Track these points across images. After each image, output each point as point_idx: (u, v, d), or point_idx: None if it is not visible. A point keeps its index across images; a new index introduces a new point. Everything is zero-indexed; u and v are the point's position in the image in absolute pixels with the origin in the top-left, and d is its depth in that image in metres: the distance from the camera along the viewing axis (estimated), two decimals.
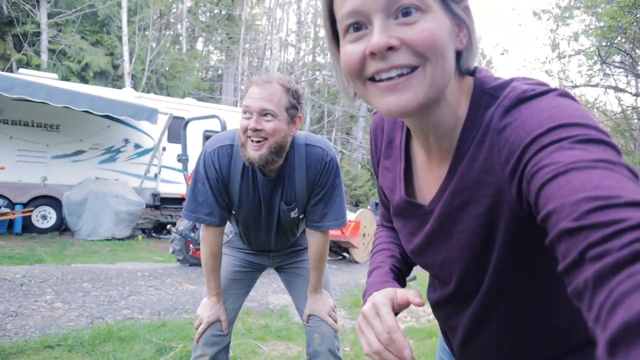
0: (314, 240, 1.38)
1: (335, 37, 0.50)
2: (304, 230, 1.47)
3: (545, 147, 0.38)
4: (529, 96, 0.44)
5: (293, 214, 1.34)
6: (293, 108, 1.20)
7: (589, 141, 0.37)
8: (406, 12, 0.43)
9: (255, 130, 1.15)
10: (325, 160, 1.29)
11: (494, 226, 0.48)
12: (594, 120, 0.40)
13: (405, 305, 0.56)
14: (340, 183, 1.35)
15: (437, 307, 0.66)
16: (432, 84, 0.44)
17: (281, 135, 1.18)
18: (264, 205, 1.33)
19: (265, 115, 1.16)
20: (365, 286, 0.64)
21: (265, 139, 1.16)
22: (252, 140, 1.16)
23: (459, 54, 0.48)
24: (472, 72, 0.51)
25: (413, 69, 0.44)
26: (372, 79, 0.46)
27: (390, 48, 0.43)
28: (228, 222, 1.42)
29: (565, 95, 0.44)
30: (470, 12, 0.48)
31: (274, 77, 1.20)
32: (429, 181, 0.56)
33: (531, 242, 0.47)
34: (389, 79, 0.44)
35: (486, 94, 0.48)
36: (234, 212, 1.37)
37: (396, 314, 0.55)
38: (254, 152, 1.16)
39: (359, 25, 0.45)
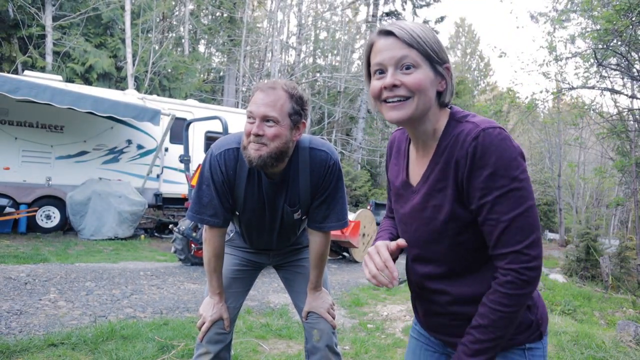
0: (315, 240, 1.41)
1: (368, 74, 0.85)
2: (304, 229, 1.50)
3: (492, 192, 0.75)
4: (483, 132, 0.77)
5: (296, 215, 1.37)
6: (296, 114, 1.22)
7: (507, 195, 0.75)
8: (407, 67, 0.78)
9: (257, 135, 1.18)
10: (328, 164, 1.31)
11: (453, 203, 0.80)
12: (518, 161, 0.76)
13: (397, 249, 0.86)
14: (343, 185, 1.38)
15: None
16: (417, 108, 0.79)
17: (282, 141, 1.20)
18: (268, 207, 1.35)
19: (268, 121, 1.18)
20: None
21: (265, 144, 1.18)
22: (254, 144, 1.19)
23: (440, 93, 0.82)
24: (449, 106, 0.85)
25: (407, 98, 0.79)
26: (385, 100, 0.81)
27: (395, 86, 0.78)
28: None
29: (504, 135, 0.77)
30: (450, 71, 0.82)
31: (279, 83, 1.22)
32: (416, 170, 0.88)
33: (467, 218, 0.81)
34: (393, 102, 0.80)
35: (454, 121, 0.83)
36: (237, 214, 1.39)
37: (394, 259, 0.84)
38: (253, 152, 1.19)
39: (382, 71, 0.81)
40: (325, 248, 1.42)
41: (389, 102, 0.79)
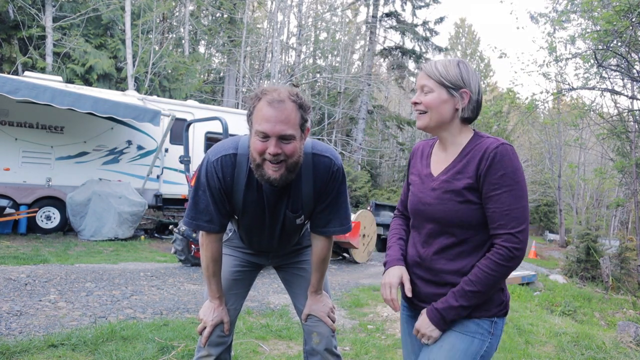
0: (317, 244, 1.40)
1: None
2: (306, 229, 1.49)
3: (501, 187, 1.05)
4: (503, 145, 1.09)
5: (299, 221, 1.36)
6: (303, 121, 1.20)
7: (511, 192, 1.05)
8: (427, 92, 1.13)
9: (276, 155, 1.15)
10: (332, 170, 1.29)
11: (465, 188, 1.09)
12: (521, 171, 1.08)
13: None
14: (346, 189, 1.36)
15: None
16: (431, 120, 1.13)
17: (298, 154, 1.19)
18: (269, 212, 1.33)
19: (284, 138, 1.15)
20: (386, 258, 1.25)
21: (284, 160, 1.17)
22: (271, 162, 1.16)
23: (458, 110, 1.13)
24: (472, 123, 1.17)
25: (425, 112, 1.14)
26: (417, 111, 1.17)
27: (417, 103, 1.15)
28: None
29: (515, 151, 1.11)
30: (466, 94, 1.11)
31: (283, 92, 1.17)
32: (439, 165, 1.18)
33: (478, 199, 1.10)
34: (418, 113, 1.15)
35: (477, 136, 1.15)
36: (236, 218, 1.38)
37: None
38: (274, 173, 1.17)
39: (414, 91, 1.15)
40: (327, 252, 1.41)
41: (418, 114, 1.16)
